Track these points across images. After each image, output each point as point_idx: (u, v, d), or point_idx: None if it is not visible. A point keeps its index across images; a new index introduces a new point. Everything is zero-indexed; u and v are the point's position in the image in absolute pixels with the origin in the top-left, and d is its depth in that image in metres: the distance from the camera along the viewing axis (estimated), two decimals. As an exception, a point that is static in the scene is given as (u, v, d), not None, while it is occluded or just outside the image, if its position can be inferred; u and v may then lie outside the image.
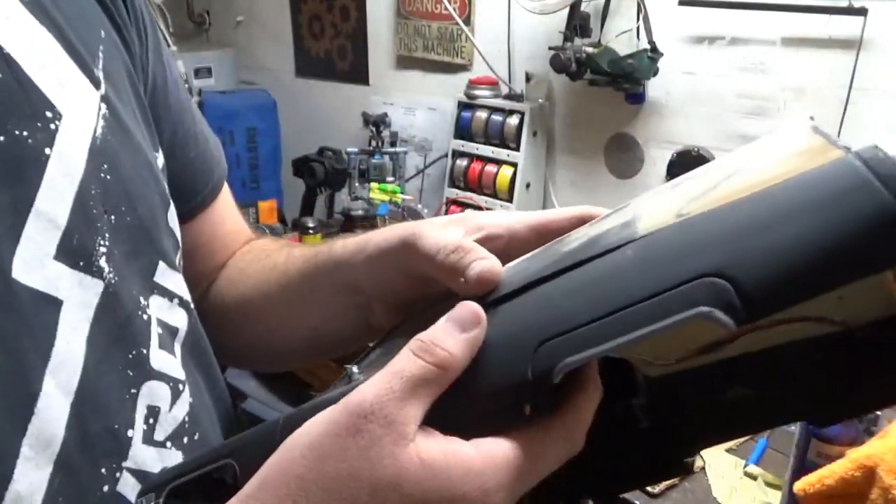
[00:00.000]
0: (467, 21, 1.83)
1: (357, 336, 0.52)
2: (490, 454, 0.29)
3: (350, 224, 1.85)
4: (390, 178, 1.89)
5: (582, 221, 0.38)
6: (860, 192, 0.24)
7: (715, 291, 0.25)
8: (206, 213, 0.58)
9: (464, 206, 1.80)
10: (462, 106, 1.78)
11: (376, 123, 1.93)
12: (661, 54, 1.46)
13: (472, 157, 1.78)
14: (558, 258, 0.32)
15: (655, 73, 1.48)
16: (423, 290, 0.42)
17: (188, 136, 0.55)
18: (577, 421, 0.31)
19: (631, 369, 0.33)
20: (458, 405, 0.30)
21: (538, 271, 0.32)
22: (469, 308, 0.31)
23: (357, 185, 1.91)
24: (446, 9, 1.83)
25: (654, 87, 1.55)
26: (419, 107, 2.03)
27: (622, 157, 1.66)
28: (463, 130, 1.78)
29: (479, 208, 1.77)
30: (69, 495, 0.36)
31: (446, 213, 1.83)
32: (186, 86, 2.31)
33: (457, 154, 1.80)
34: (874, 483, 0.73)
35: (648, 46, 1.45)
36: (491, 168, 1.74)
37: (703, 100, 1.50)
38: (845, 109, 1.30)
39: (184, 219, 0.52)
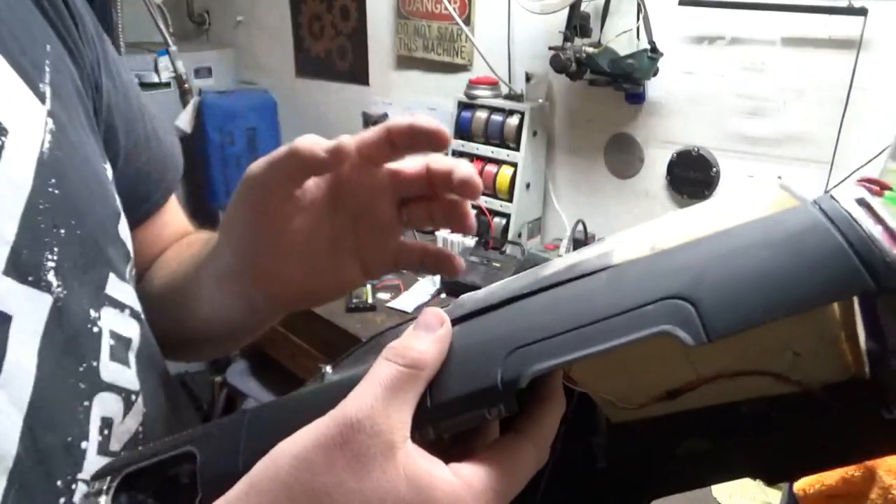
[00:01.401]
0: (467, 21, 1.83)
1: (246, 327, 0.53)
2: (469, 484, 0.30)
3: (350, 224, 1.85)
4: (390, 178, 1.89)
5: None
6: (812, 232, 0.26)
7: (678, 312, 0.26)
8: (154, 217, 0.58)
9: (464, 206, 1.80)
10: (462, 106, 1.78)
11: (376, 123, 1.92)
12: (661, 54, 1.46)
13: (472, 157, 1.78)
14: (536, 280, 0.33)
15: (655, 73, 1.48)
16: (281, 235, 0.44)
17: (139, 141, 0.55)
18: (544, 432, 0.33)
19: (594, 410, 0.34)
20: (430, 410, 0.31)
21: (515, 290, 0.33)
22: (432, 311, 0.33)
23: (357, 185, 1.91)
24: (446, 9, 1.83)
25: (654, 87, 1.55)
26: (419, 107, 2.03)
27: (622, 157, 1.66)
28: (463, 130, 1.78)
29: (479, 208, 1.77)
30: None
31: (446, 213, 1.83)
32: (186, 85, 2.33)
33: (457, 154, 1.80)
34: (874, 483, 0.73)
35: (648, 46, 1.45)
36: (491, 168, 1.74)
37: (703, 100, 1.50)
38: (845, 109, 1.30)
39: (135, 224, 0.53)
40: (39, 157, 0.39)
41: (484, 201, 1.76)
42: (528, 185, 1.73)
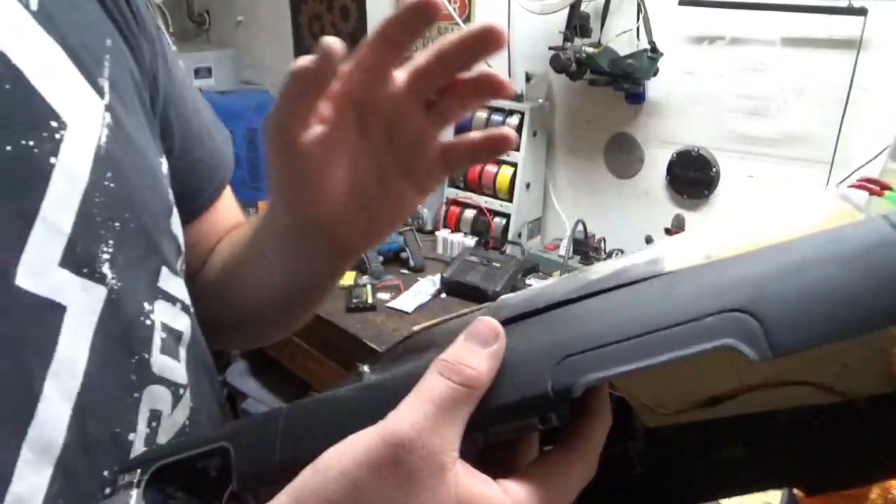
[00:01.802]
0: (467, 21, 1.83)
1: (316, 284, 0.53)
2: (519, 503, 0.29)
3: (350, 224, 1.84)
4: (390, 178, 1.89)
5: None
6: (885, 248, 0.25)
7: (741, 325, 0.25)
8: (208, 213, 0.59)
9: (464, 206, 1.80)
10: (462, 106, 1.77)
11: (376, 123, 1.93)
12: (661, 54, 1.46)
13: (472, 157, 1.78)
14: (583, 285, 0.32)
15: (655, 73, 1.48)
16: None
17: (194, 136, 0.56)
18: (592, 446, 0.31)
19: (630, 414, 0.33)
20: (479, 417, 0.30)
21: (562, 295, 0.32)
22: (487, 323, 0.31)
23: (357, 185, 1.90)
24: (446, 9, 1.83)
25: (654, 87, 1.55)
26: (419, 107, 2.03)
27: (622, 157, 1.66)
28: (463, 130, 1.77)
29: (479, 208, 1.77)
30: (69, 498, 0.36)
31: (446, 213, 1.83)
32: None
33: (457, 154, 1.80)
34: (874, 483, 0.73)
35: (648, 46, 1.45)
36: (491, 168, 1.74)
37: (703, 100, 1.50)
38: (845, 109, 1.30)
39: (187, 219, 0.53)
40: (97, 150, 0.40)
41: (484, 201, 1.76)
42: (528, 185, 1.73)
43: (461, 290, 1.51)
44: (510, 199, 1.72)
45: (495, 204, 1.75)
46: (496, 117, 1.71)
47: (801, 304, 0.25)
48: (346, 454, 0.29)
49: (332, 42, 0.37)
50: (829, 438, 0.30)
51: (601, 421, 0.32)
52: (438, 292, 1.54)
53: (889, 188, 1.08)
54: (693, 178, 1.55)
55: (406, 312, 1.45)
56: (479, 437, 0.29)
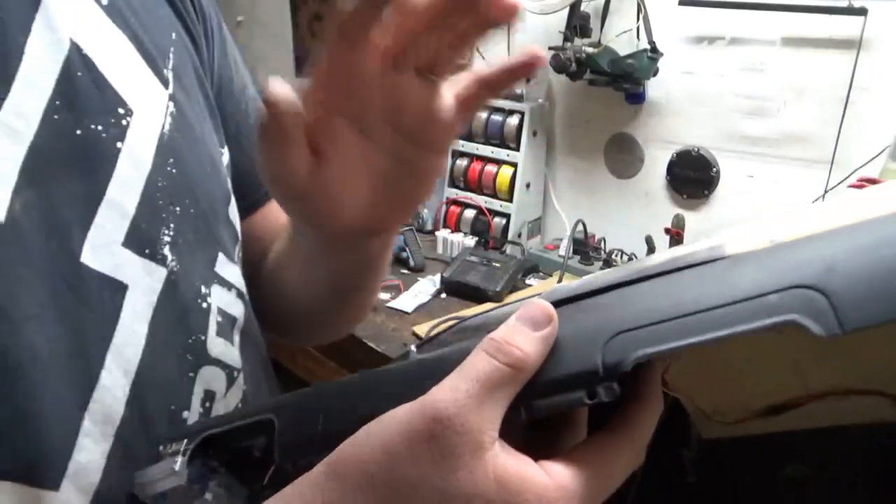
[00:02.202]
0: (467, 21, 1.82)
1: (365, 264, 0.51)
2: (562, 485, 0.28)
3: (350, 224, 1.84)
4: (390, 178, 1.89)
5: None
6: None
7: (807, 301, 0.24)
8: (266, 207, 0.60)
9: (464, 206, 1.80)
10: (462, 106, 1.77)
11: (376, 123, 1.93)
12: (661, 54, 1.46)
13: (472, 157, 1.78)
14: (638, 270, 0.31)
15: (655, 73, 1.48)
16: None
17: (252, 132, 0.57)
18: (641, 433, 0.30)
19: (686, 420, 0.31)
20: (524, 389, 0.29)
21: (617, 279, 0.31)
22: (540, 306, 0.30)
23: (357, 185, 1.90)
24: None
25: (654, 87, 1.55)
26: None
27: (622, 157, 1.66)
28: (462, 130, 1.77)
29: (479, 208, 1.77)
30: (127, 469, 0.37)
31: (446, 213, 1.83)
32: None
33: (457, 154, 1.80)
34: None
35: (648, 46, 1.45)
36: (491, 168, 1.74)
37: (703, 100, 1.50)
38: (845, 109, 1.30)
39: (246, 212, 0.55)
40: (160, 137, 0.41)
41: (484, 201, 1.76)
42: (528, 185, 1.73)
43: (461, 290, 1.51)
44: (510, 199, 1.72)
45: (495, 204, 1.75)
46: (496, 117, 1.71)
47: (873, 280, 0.23)
48: (384, 426, 0.29)
49: (281, 91, 0.35)
50: None
51: (651, 407, 0.31)
52: (438, 292, 1.54)
53: (889, 188, 1.08)
54: (693, 178, 1.54)
55: (406, 312, 1.45)
56: (521, 411, 0.28)
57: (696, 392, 0.31)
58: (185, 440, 0.37)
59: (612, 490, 0.29)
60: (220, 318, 0.45)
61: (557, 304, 0.31)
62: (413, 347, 0.35)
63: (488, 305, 0.41)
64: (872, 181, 1.12)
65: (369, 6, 0.34)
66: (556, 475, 0.28)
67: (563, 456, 0.29)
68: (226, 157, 0.51)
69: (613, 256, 1.60)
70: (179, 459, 0.36)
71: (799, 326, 0.23)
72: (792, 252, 0.26)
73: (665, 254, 0.32)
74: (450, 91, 0.40)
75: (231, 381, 0.46)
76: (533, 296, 0.32)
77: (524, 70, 0.40)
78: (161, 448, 0.38)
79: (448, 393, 0.28)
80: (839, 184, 1.32)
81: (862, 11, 1.24)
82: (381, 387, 0.32)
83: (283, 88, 0.35)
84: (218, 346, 0.45)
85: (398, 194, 0.43)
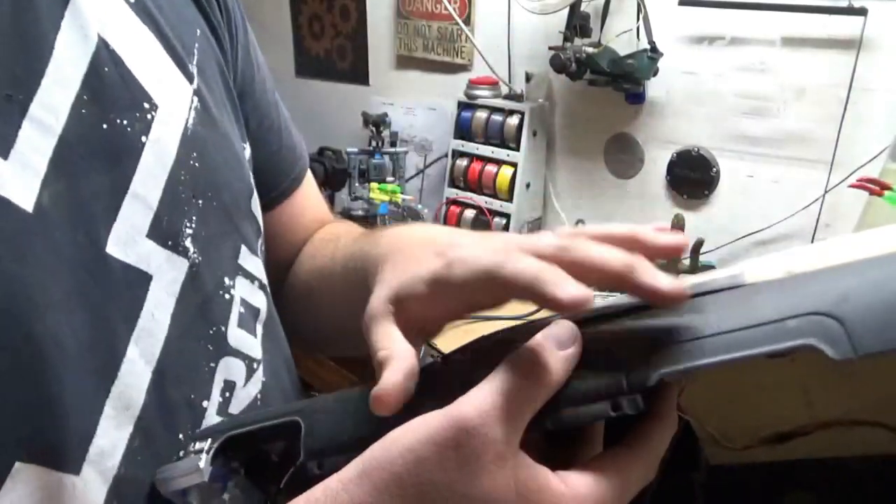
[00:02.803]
0: (467, 21, 1.82)
1: None
2: (578, 494, 0.30)
3: (350, 224, 1.84)
4: (390, 178, 1.89)
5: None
6: None
7: (823, 327, 0.25)
8: (286, 203, 0.61)
9: (464, 205, 1.80)
10: (462, 106, 1.77)
11: (376, 123, 1.93)
12: (661, 54, 1.46)
13: (472, 157, 1.78)
14: None
15: (655, 73, 1.48)
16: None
17: (272, 129, 0.59)
18: (655, 450, 0.32)
19: (696, 445, 0.33)
20: (548, 407, 0.30)
21: (637, 301, 0.32)
22: (567, 326, 0.32)
23: (357, 185, 1.91)
24: (446, 9, 1.83)
25: (654, 87, 1.55)
26: (419, 107, 2.03)
27: (622, 157, 1.66)
28: (463, 130, 1.78)
29: (479, 208, 1.77)
30: (147, 456, 0.38)
31: (446, 213, 1.83)
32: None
33: (457, 154, 1.80)
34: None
35: (648, 46, 1.45)
36: (491, 168, 1.74)
37: (703, 100, 1.50)
38: (845, 109, 1.30)
39: (266, 207, 0.55)
40: (184, 131, 0.42)
41: (484, 201, 1.76)
42: (528, 185, 1.73)
43: (461, 290, 1.51)
44: (510, 199, 1.72)
45: (495, 204, 1.75)
46: (496, 117, 1.71)
47: (884, 310, 0.25)
48: (413, 432, 0.30)
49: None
50: None
51: (666, 425, 0.32)
52: (438, 292, 1.54)
53: (889, 188, 1.08)
54: (693, 178, 1.54)
55: (406, 312, 1.45)
56: (547, 422, 0.30)
57: (706, 416, 0.33)
58: (210, 440, 0.38)
59: (626, 502, 0.31)
60: (242, 309, 0.46)
61: (584, 321, 0.32)
62: (438, 357, 0.37)
63: (520, 320, 0.41)
64: (872, 181, 1.12)
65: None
66: (572, 484, 0.30)
67: (580, 466, 0.31)
68: (247, 151, 0.52)
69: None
70: (204, 457, 0.37)
71: (815, 350, 0.25)
72: (809, 282, 0.28)
73: (686, 279, 0.33)
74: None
75: (251, 371, 0.46)
76: (555, 315, 0.33)
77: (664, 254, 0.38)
78: (188, 446, 0.39)
79: (475, 403, 0.30)
80: (839, 184, 1.32)
81: (862, 11, 1.24)
82: (411, 395, 0.34)
83: (388, 389, 0.33)
84: (238, 336, 0.46)
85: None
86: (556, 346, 0.31)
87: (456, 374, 0.33)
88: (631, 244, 0.34)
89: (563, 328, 0.32)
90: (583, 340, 0.31)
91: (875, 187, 1.10)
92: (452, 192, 1.83)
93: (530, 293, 0.32)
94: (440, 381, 0.33)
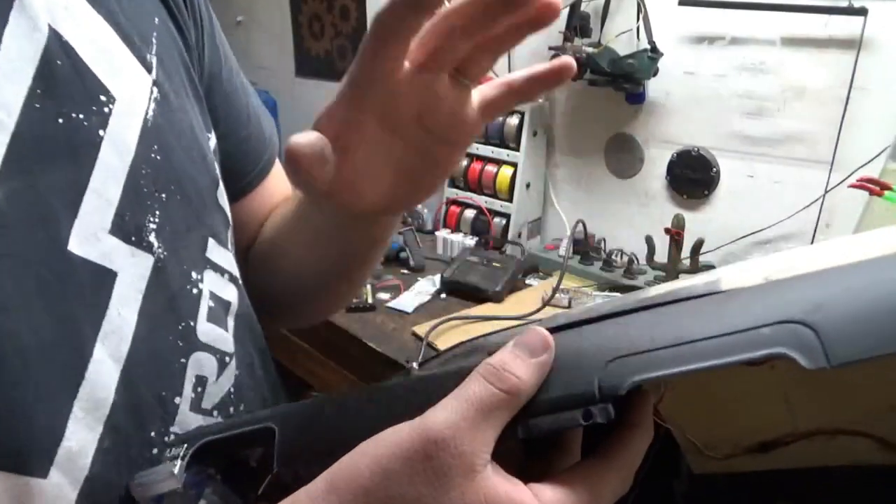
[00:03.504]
0: (467, 21, 1.82)
1: (366, 244, 0.53)
2: None
3: (350, 224, 1.84)
4: (390, 178, 1.89)
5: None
6: None
7: (797, 336, 0.25)
8: (255, 191, 0.60)
9: (464, 206, 1.80)
10: (462, 106, 1.77)
11: (376, 123, 1.93)
12: (661, 54, 1.45)
13: (472, 157, 1.78)
14: (636, 301, 0.32)
15: (655, 73, 1.48)
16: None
17: (240, 117, 0.58)
18: (630, 460, 0.31)
19: (677, 453, 0.33)
20: (520, 415, 0.30)
21: (616, 308, 0.32)
22: (538, 333, 0.31)
23: (357, 185, 1.90)
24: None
25: (654, 87, 1.55)
26: (419, 107, 2.03)
27: (622, 157, 1.66)
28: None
29: (479, 208, 1.77)
30: (118, 456, 0.38)
31: (446, 213, 1.83)
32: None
33: (457, 154, 1.80)
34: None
35: (648, 46, 1.45)
36: (491, 168, 1.74)
37: (703, 100, 1.50)
38: (845, 109, 1.30)
39: (236, 196, 0.55)
40: (143, 124, 0.41)
41: (484, 201, 1.76)
42: (528, 185, 1.73)
43: (461, 290, 1.51)
44: (510, 199, 1.72)
45: (495, 204, 1.75)
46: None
47: (859, 319, 0.25)
48: (381, 444, 0.30)
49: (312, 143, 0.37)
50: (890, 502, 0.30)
51: (642, 435, 0.32)
52: (438, 292, 1.54)
53: (889, 188, 1.08)
54: (693, 178, 1.54)
55: (406, 312, 1.45)
56: (518, 430, 0.30)
57: (688, 424, 0.32)
58: (185, 446, 0.37)
59: None
60: (212, 303, 0.45)
61: (558, 329, 0.32)
62: (414, 365, 0.36)
63: (497, 329, 0.42)
64: (872, 181, 1.12)
65: (408, 7, 0.34)
66: (544, 497, 0.29)
67: (551, 478, 0.30)
68: (213, 142, 0.51)
69: (613, 257, 1.60)
70: (178, 464, 0.36)
71: (788, 359, 0.24)
72: (784, 289, 0.28)
73: (663, 286, 0.34)
74: (477, 93, 0.42)
75: (223, 366, 0.46)
76: (531, 322, 0.33)
77: (553, 78, 0.42)
78: (163, 452, 0.38)
79: (444, 415, 0.29)
80: (839, 184, 1.32)
81: (862, 11, 1.24)
82: (381, 403, 0.33)
83: (303, 140, 0.36)
84: (208, 331, 0.45)
85: (417, 181, 0.45)
86: (528, 354, 0.30)
87: (428, 385, 0.32)
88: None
89: (534, 335, 0.31)
90: (556, 347, 0.31)
91: (875, 187, 1.10)
92: (452, 192, 1.83)
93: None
94: (413, 392, 0.33)
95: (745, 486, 0.31)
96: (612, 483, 0.31)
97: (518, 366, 0.30)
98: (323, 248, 0.54)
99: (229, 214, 0.51)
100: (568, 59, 0.40)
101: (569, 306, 1.40)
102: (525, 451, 0.32)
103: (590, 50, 1.48)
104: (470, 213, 1.79)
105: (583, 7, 1.51)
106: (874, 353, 0.24)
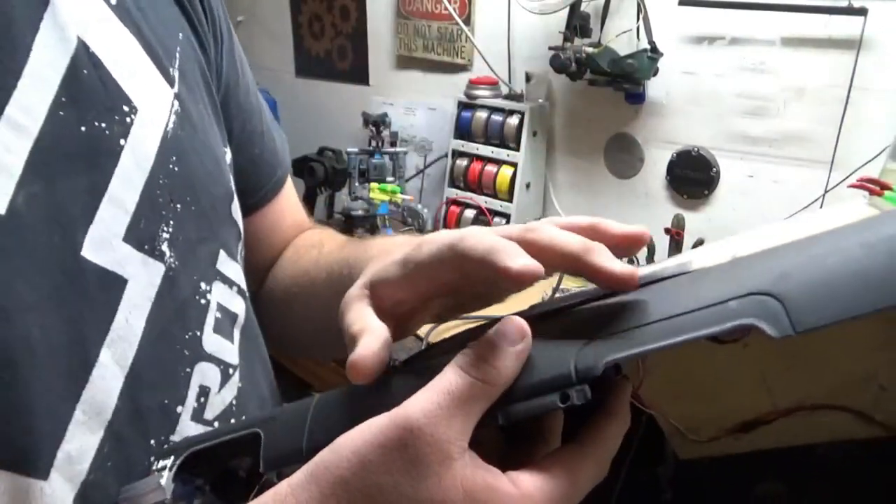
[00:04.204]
0: (467, 21, 1.82)
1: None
2: (527, 494, 0.29)
3: (350, 224, 1.84)
4: (390, 178, 1.89)
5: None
6: None
7: (763, 306, 0.26)
8: (267, 207, 0.61)
9: (464, 206, 1.80)
10: (462, 106, 1.77)
11: (376, 123, 1.93)
12: (661, 54, 1.45)
13: (472, 157, 1.78)
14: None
15: (655, 73, 1.48)
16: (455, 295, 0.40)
17: (255, 134, 0.58)
18: (607, 446, 0.32)
19: (661, 439, 0.33)
20: (498, 402, 0.30)
21: (591, 293, 0.33)
22: (515, 322, 0.31)
23: (357, 184, 1.91)
24: (446, 9, 1.83)
25: (654, 87, 1.55)
26: (419, 107, 2.03)
27: (622, 157, 1.66)
28: (463, 130, 1.78)
29: (479, 208, 1.77)
30: (118, 461, 0.38)
31: (446, 213, 1.83)
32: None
33: (457, 154, 1.80)
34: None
35: (648, 46, 1.45)
36: (491, 168, 1.74)
37: (703, 100, 1.50)
38: (845, 109, 1.30)
39: (247, 212, 0.55)
40: (164, 135, 0.42)
41: (484, 201, 1.76)
42: (528, 185, 1.73)
43: (461, 290, 1.51)
44: (510, 199, 1.72)
45: (495, 204, 1.75)
46: (496, 117, 1.71)
47: (822, 286, 0.25)
48: (360, 435, 0.30)
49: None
50: (875, 476, 0.30)
51: (618, 422, 0.32)
52: (438, 292, 1.54)
53: (889, 188, 1.08)
54: (693, 178, 1.54)
55: (406, 312, 1.45)
56: (498, 416, 0.30)
57: (669, 408, 0.33)
58: (172, 457, 0.37)
59: (577, 500, 0.31)
60: (219, 315, 0.46)
61: (536, 318, 0.32)
62: (398, 362, 0.36)
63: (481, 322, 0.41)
64: (872, 181, 1.12)
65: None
66: (521, 484, 0.29)
67: (530, 466, 0.30)
68: (229, 156, 0.51)
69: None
70: (166, 475, 0.36)
71: (756, 329, 0.25)
72: (750, 264, 0.28)
73: (638, 270, 0.34)
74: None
75: (226, 377, 0.46)
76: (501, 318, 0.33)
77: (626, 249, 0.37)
78: (152, 464, 0.38)
79: (420, 405, 0.29)
80: (839, 184, 1.32)
81: (862, 11, 1.24)
82: (362, 399, 0.34)
83: (364, 355, 0.34)
84: (214, 342, 0.45)
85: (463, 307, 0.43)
86: (505, 343, 0.30)
87: (411, 378, 0.32)
88: (592, 233, 0.35)
89: (511, 324, 0.31)
90: (533, 335, 0.31)
91: (875, 187, 1.10)
92: (452, 192, 1.83)
93: (485, 264, 0.32)
94: (395, 385, 0.33)
95: (730, 469, 0.31)
96: (589, 469, 0.31)
97: (494, 355, 0.30)
98: (325, 315, 0.53)
99: (241, 227, 0.51)
100: (643, 232, 0.37)
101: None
102: (506, 440, 0.33)
103: (590, 50, 1.48)
104: (470, 213, 1.79)
105: (583, 7, 1.51)
106: (838, 317, 0.24)
